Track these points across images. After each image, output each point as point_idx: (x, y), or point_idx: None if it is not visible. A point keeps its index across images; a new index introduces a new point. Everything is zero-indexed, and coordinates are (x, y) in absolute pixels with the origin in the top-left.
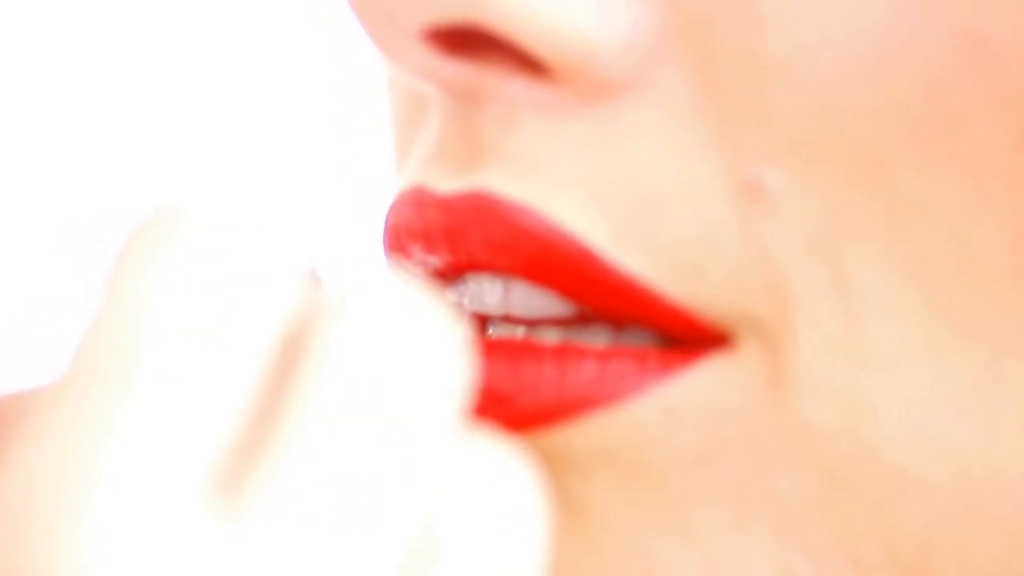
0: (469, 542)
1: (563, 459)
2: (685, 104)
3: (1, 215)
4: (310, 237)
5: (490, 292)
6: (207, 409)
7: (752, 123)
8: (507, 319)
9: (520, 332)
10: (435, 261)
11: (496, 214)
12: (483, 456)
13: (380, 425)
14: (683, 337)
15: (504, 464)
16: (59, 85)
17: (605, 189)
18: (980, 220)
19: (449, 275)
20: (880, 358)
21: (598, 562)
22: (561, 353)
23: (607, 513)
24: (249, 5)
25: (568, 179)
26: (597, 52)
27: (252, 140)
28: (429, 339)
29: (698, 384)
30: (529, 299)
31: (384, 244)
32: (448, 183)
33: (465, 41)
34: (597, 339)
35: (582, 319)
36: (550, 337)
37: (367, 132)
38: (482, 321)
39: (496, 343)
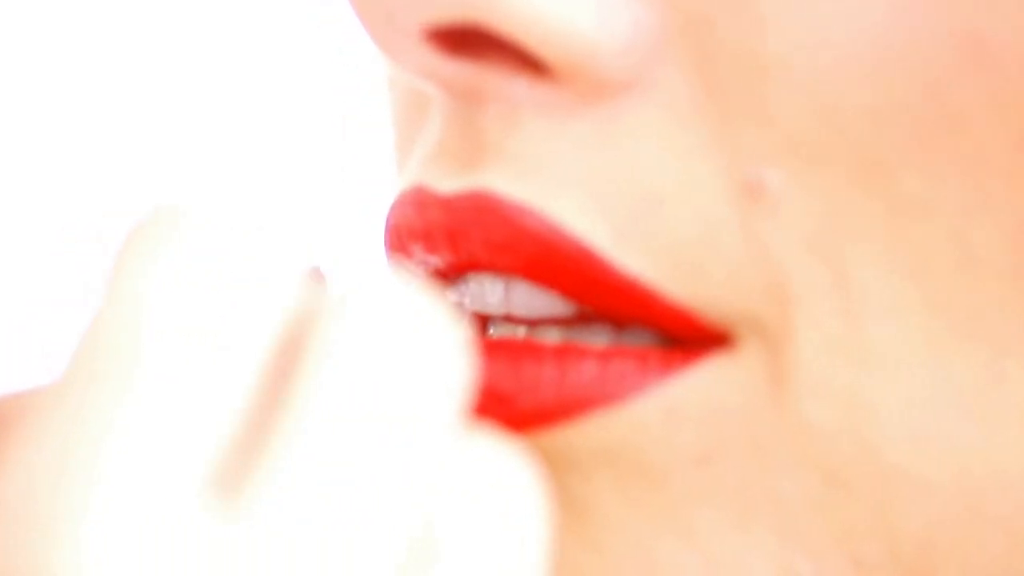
0: (470, 542)
1: (564, 459)
2: (685, 104)
3: (1, 215)
4: (310, 237)
5: (491, 292)
6: (206, 409)
7: (752, 123)
8: (508, 319)
9: (521, 332)
10: (436, 261)
11: (497, 214)
12: (484, 456)
13: (380, 425)
14: (684, 337)
15: (505, 464)
16: (59, 85)
17: (606, 189)
18: (980, 220)
19: (450, 275)
20: (880, 358)
21: (599, 562)
22: (562, 353)
23: (608, 513)
24: (249, 5)
25: (569, 179)
26: (598, 52)
27: (252, 140)
28: (429, 339)
29: (699, 384)
30: (530, 299)
31: (385, 244)
32: (449, 183)
33: (466, 41)
34: (598, 339)
35: (583, 319)
36: (551, 337)
37: (367, 132)
38: (483, 321)
39: (497, 343)
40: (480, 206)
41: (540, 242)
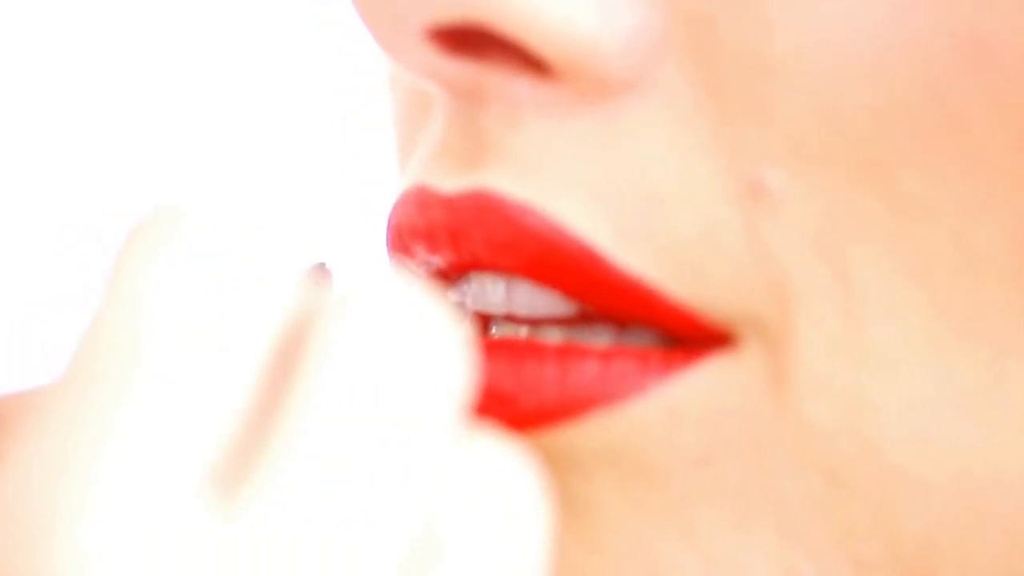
0: (471, 542)
1: (565, 459)
2: (687, 104)
3: (1, 215)
4: (310, 237)
5: (493, 292)
6: (206, 409)
7: (753, 123)
8: (510, 319)
9: (523, 332)
10: (438, 261)
11: (499, 213)
12: (485, 456)
13: (381, 425)
14: (685, 337)
15: (506, 464)
16: (59, 85)
17: (607, 189)
18: (981, 220)
19: (452, 275)
20: (881, 358)
21: (600, 562)
22: (563, 353)
23: (609, 513)
24: (249, 5)
25: (571, 179)
26: (599, 52)
27: (252, 140)
28: (430, 339)
29: (700, 384)
30: (532, 299)
31: (387, 244)
32: (451, 182)
33: (468, 40)
34: (600, 339)
35: (585, 319)
36: (553, 337)
37: (368, 132)
38: (485, 321)
39: (499, 343)
40: (482, 206)
41: (542, 242)
